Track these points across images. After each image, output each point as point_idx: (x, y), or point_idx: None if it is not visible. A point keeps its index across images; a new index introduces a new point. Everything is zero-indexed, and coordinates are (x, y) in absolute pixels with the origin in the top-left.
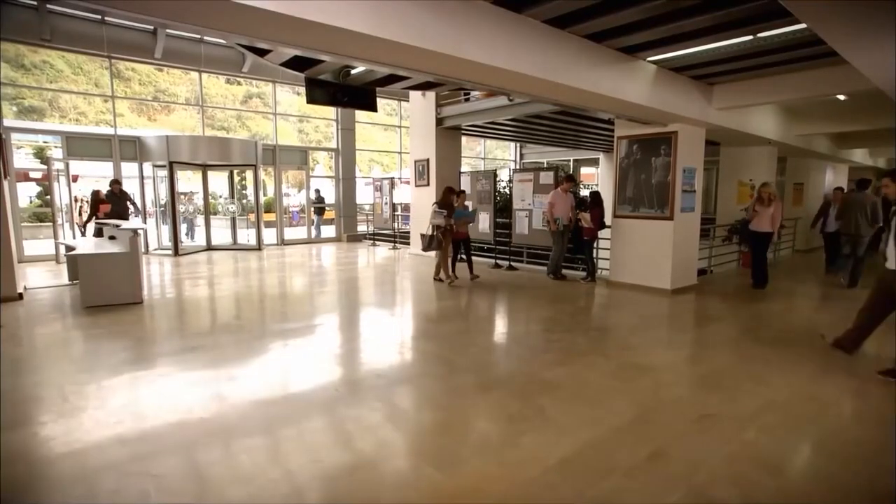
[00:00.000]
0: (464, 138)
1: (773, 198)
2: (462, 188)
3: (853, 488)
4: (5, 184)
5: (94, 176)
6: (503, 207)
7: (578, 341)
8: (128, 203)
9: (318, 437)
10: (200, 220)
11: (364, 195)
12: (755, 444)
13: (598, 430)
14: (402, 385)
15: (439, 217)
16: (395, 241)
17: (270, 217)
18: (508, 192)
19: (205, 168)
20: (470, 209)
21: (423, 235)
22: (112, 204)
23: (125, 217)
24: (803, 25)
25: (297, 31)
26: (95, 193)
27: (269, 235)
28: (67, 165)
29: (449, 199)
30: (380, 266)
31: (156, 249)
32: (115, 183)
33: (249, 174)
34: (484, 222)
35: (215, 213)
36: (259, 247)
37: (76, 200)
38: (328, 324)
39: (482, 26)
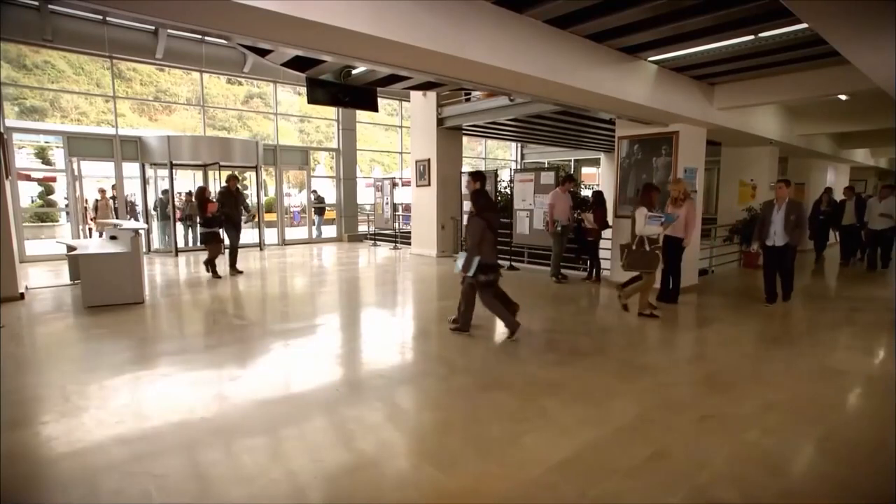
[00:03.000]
0: (465, 138)
1: (685, 197)
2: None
3: (854, 488)
4: (7, 184)
5: (95, 176)
6: (504, 207)
7: (580, 341)
8: (241, 205)
9: (319, 437)
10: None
11: (365, 195)
12: (757, 445)
13: (599, 431)
14: (403, 385)
15: (655, 224)
16: (395, 242)
17: (272, 217)
18: (509, 193)
19: (205, 168)
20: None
21: (625, 247)
22: (223, 204)
23: (236, 221)
24: (804, 25)
25: (298, 31)
26: (201, 191)
27: (271, 235)
28: (78, 166)
29: (655, 199)
30: (381, 266)
31: (156, 250)
32: (233, 179)
33: (251, 174)
34: None
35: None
36: (260, 247)
37: (87, 200)
38: (329, 324)
39: (483, 26)
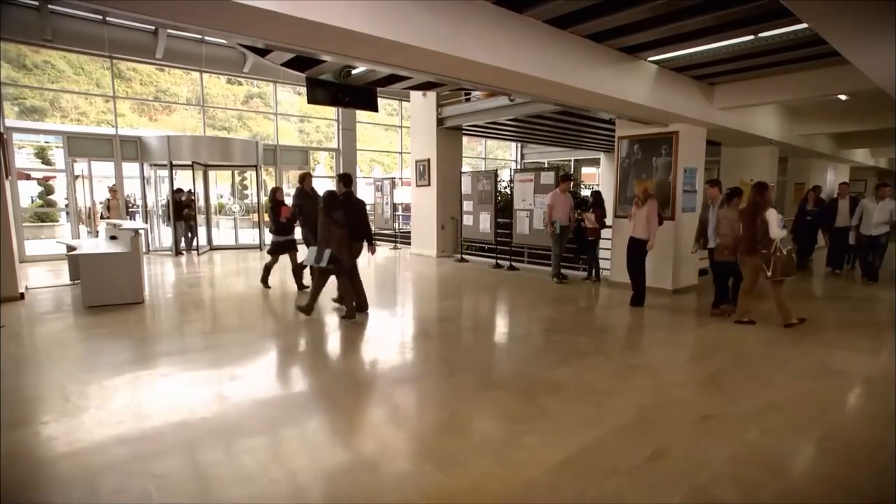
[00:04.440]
0: (465, 138)
1: (648, 196)
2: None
3: (854, 488)
4: (7, 184)
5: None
6: (504, 207)
7: (580, 342)
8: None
9: (319, 437)
10: (201, 219)
11: (365, 195)
12: (757, 445)
13: (599, 431)
14: (403, 384)
15: (780, 225)
16: (395, 241)
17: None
18: (509, 193)
19: (206, 168)
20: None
21: (769, 256)
22: (300, 208)
23: (314, 226)
24: (804, 25)
25: (299, 31)
26: (275, 192)
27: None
28: (89, 167)
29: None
30: (381, 266)
31: (156, 250)
32: (308, 177)
33: (251, 174)
34: (485, 222)
35: (217, 214)
36: (260, 247)
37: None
38: (329, 323)
39: (483, 26)
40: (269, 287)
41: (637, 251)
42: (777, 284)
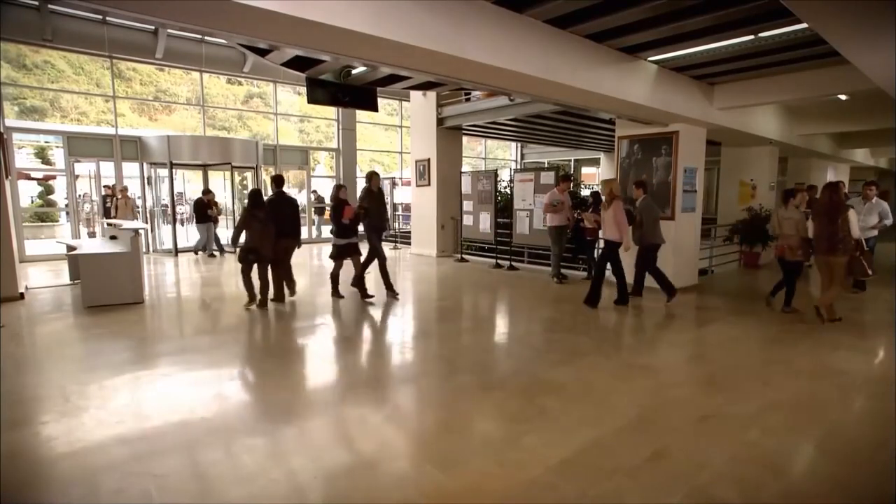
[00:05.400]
0: (465, 138)
1: (613, 197)
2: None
3: (854, 488)
4: (7, 184)
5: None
6: (504, 207)
7: (580, 341)
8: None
9: (319, 437)
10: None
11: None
12: (757, 445)
13: (599, 431)
14: (403, 384)
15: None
16: (395, 241)
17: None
18: (509, 192)
19: (206, 168)
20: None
21: (856, 257)
22: (366, 209)
23: (379, 228)
24: (804, 25)
25: (298, 31)
26: (338, 189)
27: None
28: (98, 167)
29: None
30: None
31: (155, 250)
32: (376, 176)
33: (250, 174)
34: (485, 222)
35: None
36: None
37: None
38: (329, 323)
39: (483, 26)
40: (341, 297)
41: (612, 253)
42: (847, 282)
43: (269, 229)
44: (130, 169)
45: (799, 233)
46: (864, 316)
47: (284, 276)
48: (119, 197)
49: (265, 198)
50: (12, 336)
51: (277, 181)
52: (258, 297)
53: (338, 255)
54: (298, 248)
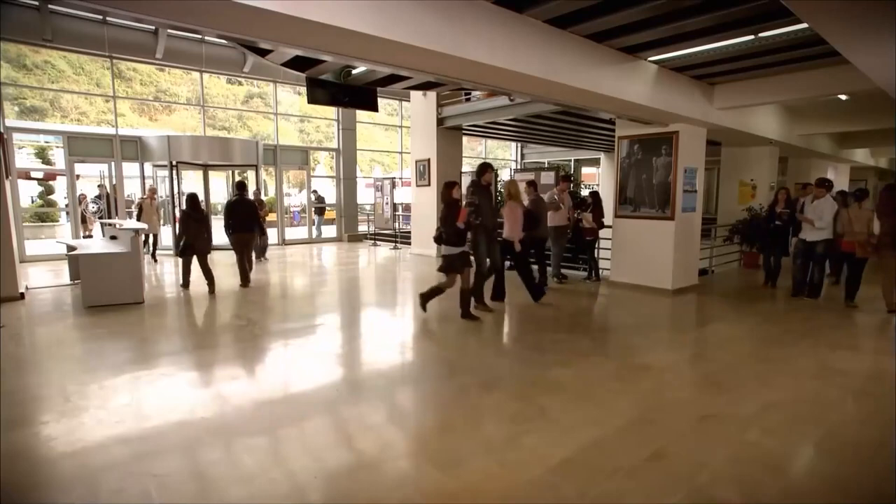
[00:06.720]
0: (465, 138)
1: (510, 197)
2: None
3: (854, 488)
4: (7, 184)
5: (96, 176)
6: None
7: (580, 341)
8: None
9: (319, 437)
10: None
11: (365, 195)
12: (757, 445)
13: (599, 431)
14: (403, 385)
15: None
16: (395, 241)
17: (271, 217)
18: None
19: (206, 168)
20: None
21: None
22: (477, 209)
23: (491, 229)
24: (804, 25)
25: (298, 31)
26: (450, 187)
27: (271, 235)
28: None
29: None
30: (381, 266)
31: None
32: (489, 169)
33: (250, 174)
34: None
35: (217, 214)
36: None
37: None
38: (329, 323)
39: (483, 26)
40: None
41: (511, 252)
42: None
43: (203, 227)
44: (130, 169)
45: (869, 230)
46: (863, 316)
47: (248, 262)
48: (146, 197)
49: (228, 199)
50: (12, 336)
51: (239, 186)
52: (190, 283)
53: (449, 268)
54: (260, 239)
